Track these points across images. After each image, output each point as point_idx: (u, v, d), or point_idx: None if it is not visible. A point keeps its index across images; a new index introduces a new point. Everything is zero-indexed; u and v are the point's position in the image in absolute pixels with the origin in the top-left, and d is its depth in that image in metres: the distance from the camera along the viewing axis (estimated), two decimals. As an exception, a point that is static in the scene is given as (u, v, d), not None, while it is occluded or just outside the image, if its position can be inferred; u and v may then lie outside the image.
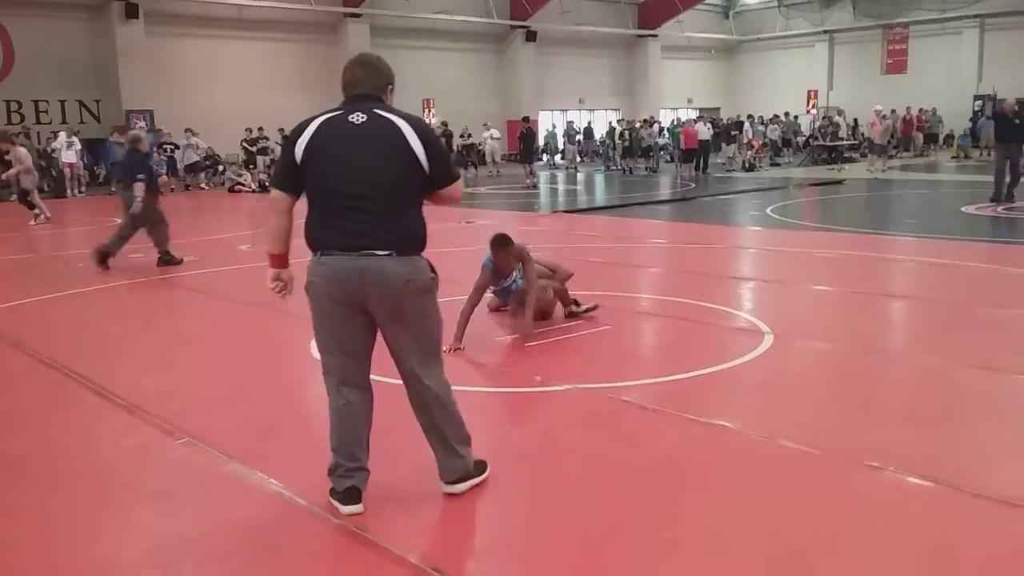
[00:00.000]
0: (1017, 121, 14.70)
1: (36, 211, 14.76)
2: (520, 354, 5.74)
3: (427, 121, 4.03)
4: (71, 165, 21.02)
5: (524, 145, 23.45)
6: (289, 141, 3.44)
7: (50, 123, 23.78)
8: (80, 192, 21.40)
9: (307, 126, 3.39)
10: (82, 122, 24.20)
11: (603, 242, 11.82)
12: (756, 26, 40.10)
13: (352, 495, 3.45)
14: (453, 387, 3.63)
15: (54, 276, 9.77)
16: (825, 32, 37.78)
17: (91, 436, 4.56)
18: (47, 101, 24.02)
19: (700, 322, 6.70)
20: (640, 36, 37.10)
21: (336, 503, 3.46)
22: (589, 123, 34.40)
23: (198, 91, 25.62)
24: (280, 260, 3.56)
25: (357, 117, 3.35)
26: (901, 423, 4.44)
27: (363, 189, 3.29)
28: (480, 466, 3.68)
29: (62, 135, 21.13)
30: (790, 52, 39.56)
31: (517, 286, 6.34)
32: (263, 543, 3.30)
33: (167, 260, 10.13)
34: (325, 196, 3.35)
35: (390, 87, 3.54)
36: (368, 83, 3.46)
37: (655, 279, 9.23)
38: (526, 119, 24.10)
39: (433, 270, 3.49)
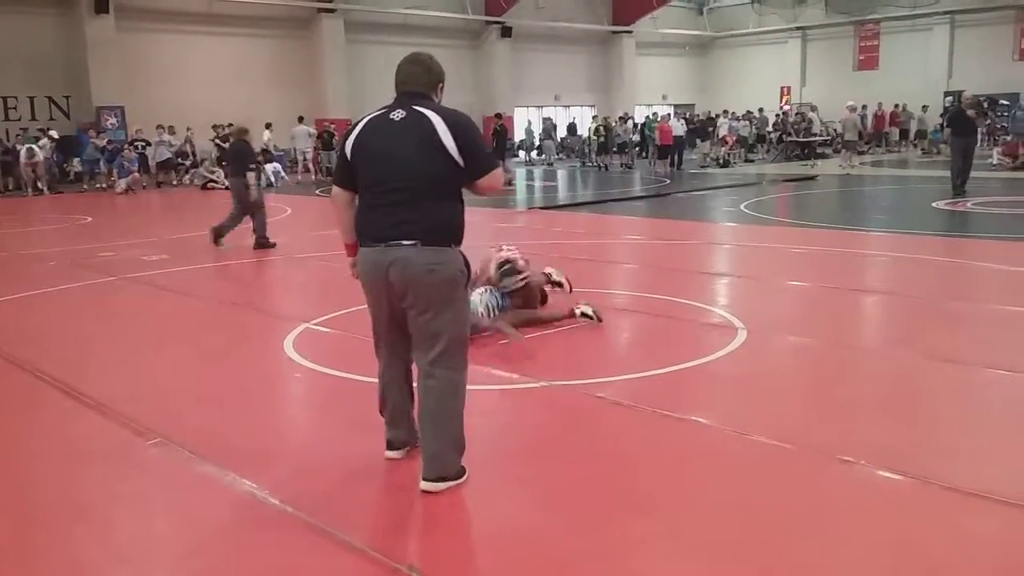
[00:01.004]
0: (972, 115, 15.16)
1: None
2: (495, 351, 5.73)
3: (464, 114, 4.08)
4: (34, 165, 20.60)
5: (496, 142, 23.42)
6: (342, 140, 3.72)
7: (19, 119, 23.47)
8: (40, 191, 20.88)
9: (357, 125, 3.65)
10: (52, 119, 23.92)
11: (579, 239, 11.83)
12: (730, 22, 40.31)
13: (391, 444, 3.92)
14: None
15: (22, 275, 9.64)
16: (798, 28, 38.03)
17: (62, 437, 4.50)
18: (16, 97, 23.71)
19: (675, 318, 6.73)
20: (615, 32, 37.18)
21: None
22: (574, 120, 34.36)
23: (170, 87, 25.38)
24: (352, 249, 3.76)
25: (397, 114, 3.54)
26: (873, 417, 4.48)
27: (397, 182, 3.47)
28: (461, 472, 3.67)
29: (39, 144, 20.71)
30: (763, 48, 39.83)
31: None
32: (235, 542, 3.28)
33: (263, 244, 10.95)
34: (367, 190, 3.58)
35: (440, 85, 3.71)
36: (416, 81, 3.64)
37: (630, 275, 9.25)
38: (498, 115, 24.06)
39: (467, 264, 3.59)
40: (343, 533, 3.23)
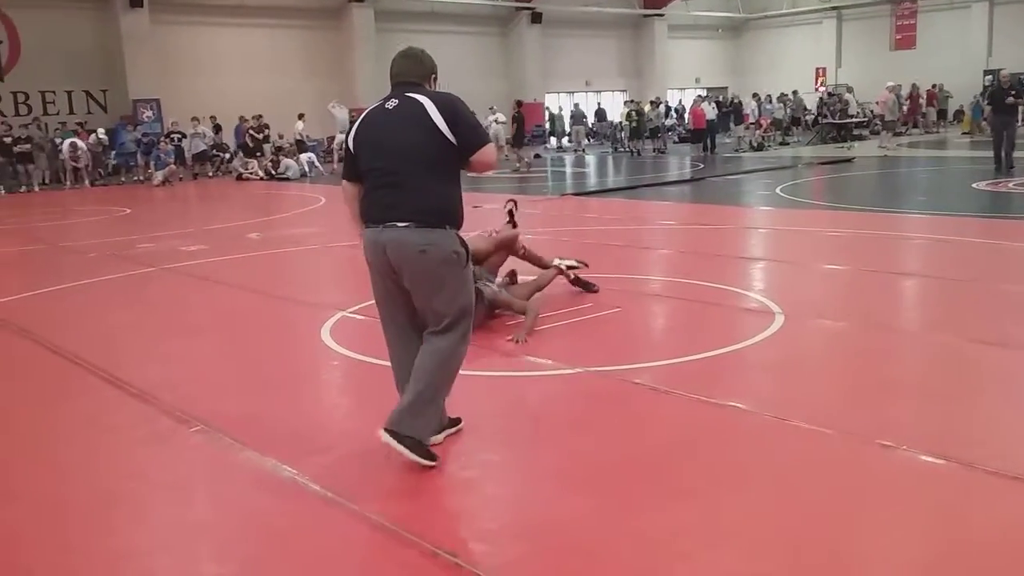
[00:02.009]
0: (1012, 92, 15.01)
1: None
2: (531, 338, 5.73)
3: (453, 94, 4.11)
4: (76, 158, 20.91)
5: (516, 129, 23.30)
6: (346, 136, 3.88)
7: (57, 114, 23.82)
8: (81, 182, 21.24)
9: (357, 119, 3.83)
10: (89, 112, 24.27)
11: (612, 224, 11.78)
12: (763, 3, 39.74)
13: None
14: (464, 372, 3.63)
15: (64, 266, 9.81)
16: (833, 8, 37.49)
17: (104, 424, 4.58)
18: (54, 92, 24.07)
19: (710, 303, 6.68)
20: (646, 16, 36.87)
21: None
22: (599, 104, 34.16)
23: (204, 79, 25.61)
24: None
25: (391, 103, 3.70)
26: (914, 401, 4.42)
27: (393, 166, 3.62)
28: (422, 448, 3.66)
29: (67, 142, 21.04)
30: (798, 29, 39.27)
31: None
32: (277, 528, 3.32)
33: None
34: (367, 176, 3.73)
35: (433, 76, 3.86)
36: (410, 73, 3.80)
37: (664, 261, 9.20)
38: (518, 103, 23.87)
39: (463, 244, 3.66)
40: (383, 518, 3.26)
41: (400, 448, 3.61)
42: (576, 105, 31.80)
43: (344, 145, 3.92)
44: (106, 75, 24.50)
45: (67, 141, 20.91)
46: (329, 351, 5.75)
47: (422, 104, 3.61)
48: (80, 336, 6.49)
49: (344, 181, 3.91)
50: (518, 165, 21.97)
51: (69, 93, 24.29)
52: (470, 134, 3.64)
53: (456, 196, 3.71)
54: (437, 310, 3.66)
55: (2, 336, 6.62)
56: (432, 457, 3.69)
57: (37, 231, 13.47)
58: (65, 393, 5.19)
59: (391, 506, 3.38)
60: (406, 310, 3.78)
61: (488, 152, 3.67)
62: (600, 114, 32.36)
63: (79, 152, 20.84)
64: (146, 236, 11.92)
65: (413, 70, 3.80)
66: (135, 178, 22.32)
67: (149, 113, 24.33)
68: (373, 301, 3.94)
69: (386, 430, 3.61)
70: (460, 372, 3.81)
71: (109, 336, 6.59)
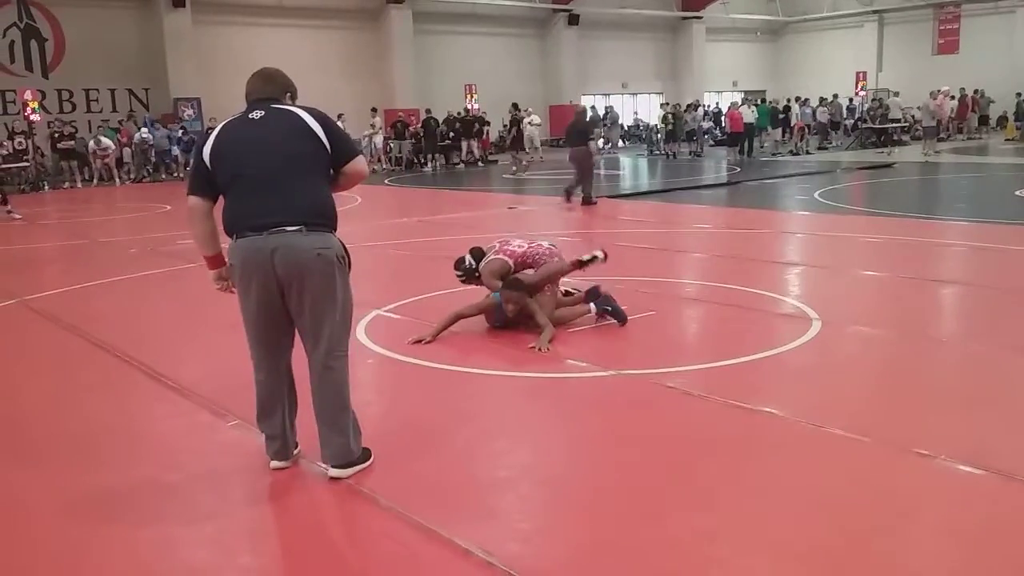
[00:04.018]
0: None
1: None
2: (564, 340, 5.73)
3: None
4: (104, 156, 21.31)
5: (514, 134, 23.21)
6: (197, 149, 3.67)
7: (100, 111, 24.21)
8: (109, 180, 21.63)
9: (210, 133, 3.68)
10: (132, 111, 24.61)
11: (647, 227, 11.74)
12: (803, 6, 39.34)
13: (279, 454, 3.77)
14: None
15: (105, 262, 9.99)
16: (874, 12, 37.01)
17: (145, 417, 4.67)
18: (97, 90, 24.46)
19: (746, 308, 6.64)
20: (684, 18, 36.67)
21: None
22: (636, 112, 33.99)
23: (243, 78, 25.61)
24: (215, 260, 3.72)
25: (256, 114, 3.62)
26: (952, 410, 4.36)
27: (269, 172, 3.50)
28: (366, 453, 3.75)
29: (92, 141, 21.45)
30: (838, 33, 38.81)
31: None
32: (310, 523, 3.36)
33: (589, 201, 13.85)
34: (235, 185, 3.54)
35: (288, 94, 3.79)
36: (265, 90, 3.74)
37: (700, 264, 9.16)
38: (515, 106, 23.73)
39: (345, 249, 3.66)
40: (415, 515, 3.28)
41: (352, 471, 3.66)
42: (609, 107, 31.69)
43: (194, 158, 3.73)
44: (148, 74, 24.86)
45: (92, 139, 21.29)
46: (364, 349, 5.79)
47: (296, 113, 3.59)
48: (121, 330, 6.60)
49: (191, 197, 3.62)
50: (515, 168, 21.84)
51: (112, 91, 24.68)
52: (343, 144, 3.65)
53: (332, 201, 3.65)
54: (322, 318, 3.54)
55: (46, 330, 6.76)
56: (367, 455, 3.77)
57: (79, 227, 13.72)
58: (107, 386, 5.29)
59: (425, 504, 3.40)
60: (280, 329, 3.62)
61: (359, 163, 3.70)
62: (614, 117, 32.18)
63: (108, 150, 21.16)
64: (185, 232, 12.07)
65: (267, 87, 3.75)
66: (175, 175, 22.66)
67: (190, 112, 24.65)
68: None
69: (336, 467, 3.64)
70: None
71: (149, 330, 6.70)
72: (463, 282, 6.37)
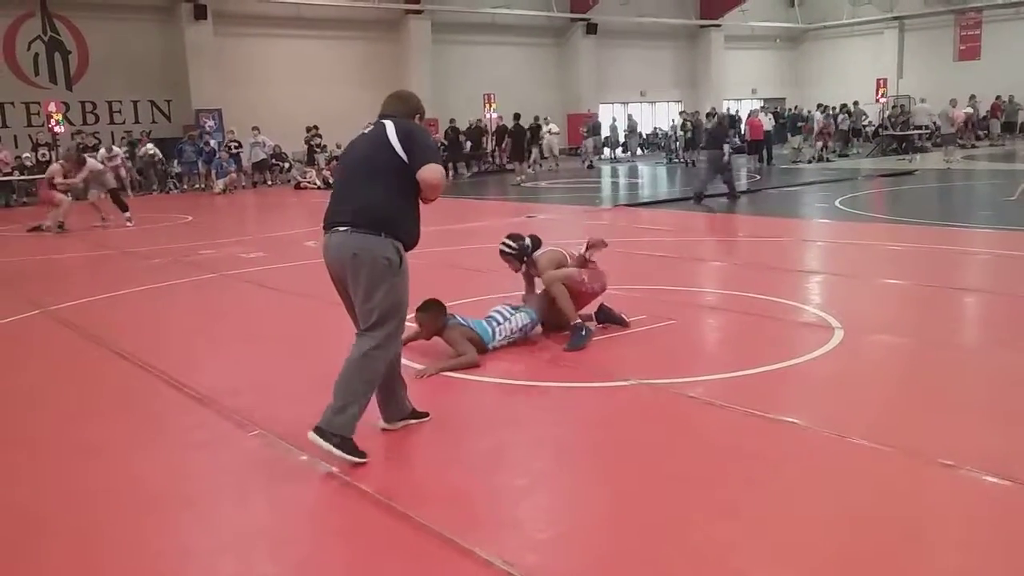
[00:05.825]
0: None
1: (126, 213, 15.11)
2: (585, 349, 5.72)
3: (418, 124, 4.16)
4: (115, 168, 21.34)
5: (515, 142, 23.13)
6: None
7: (123, 123, 24.45)
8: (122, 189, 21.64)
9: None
10: (154, 122, 24.85)
11: (666, 236, 11.72)
12: (822, 13, 39.17)
13: (386, 420, 4.34)
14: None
15: (129, 272, 10.07)
16: (895, 18, 36.76)
17: (168, 427, 4.69)
18: (120, 101, 24.68)
19: (767, 317, 6.60)
20: (703, 26, 36.61)
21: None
22: (629, 116, 34.09)
23: (264, 90, 26.09)
24: None
25: (368, 128, 4.08)
26: (976, 420, 4.32)
27: (346, 178, 4.05)
28: (348, 444, 3.82)
29: (98, 152, 21.55)
30: (858, 40, 38.59)
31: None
32: (332, 530, 3.38)
33: (735, 196, 15.44)
34: (333, 187, 4.21)
35: (417, 115, 4.18)
36: (392, 109, 4.13)
37: (720, 273, 9.12)
38: (516, 116, 23.68)
39: (399, 253, 3.86)
40: (437, 525, 3.29)
41: (327, 446, 3.78)
42: (629, 116, 31.71)
43: None
44: (170, 85, 25.07)
45: (101, 150, 21.45)
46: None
47: (384, 126, 3.95)
48: (144, 340, 6.65)
49: None
50: (518, 179, 21.81)
51: (135, 103, 24.91)
52: (419, 152, 3.86)
53: (401, 208, 3.90)
54: (365, 309, 3.88)
55: (71, 339, 6.82)
56: (360, 454, 3.84)
57: (104, 237, 13.85)
58: (130, 396, 5.33)
59: (446, 513, 3.40)
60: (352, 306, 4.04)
61: (432, 169, 3.85)
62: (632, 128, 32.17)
63: (117, 158, 21.26)
64: (208, 243, 12.18)
65: (395, 107, 4.13)
66: (196, 186, 22.83)
67: (211, 123, 24.85)
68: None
69: (314, 429, 3.81)
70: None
71: (172, 340, 6.75)
72: (507, 257, 6.19)
